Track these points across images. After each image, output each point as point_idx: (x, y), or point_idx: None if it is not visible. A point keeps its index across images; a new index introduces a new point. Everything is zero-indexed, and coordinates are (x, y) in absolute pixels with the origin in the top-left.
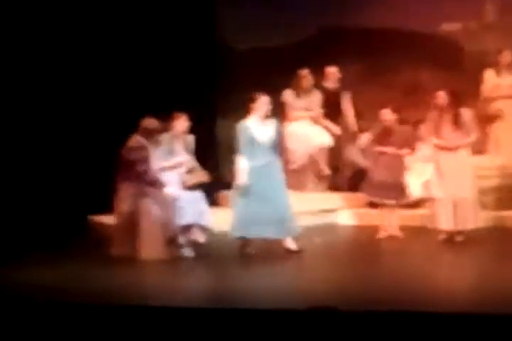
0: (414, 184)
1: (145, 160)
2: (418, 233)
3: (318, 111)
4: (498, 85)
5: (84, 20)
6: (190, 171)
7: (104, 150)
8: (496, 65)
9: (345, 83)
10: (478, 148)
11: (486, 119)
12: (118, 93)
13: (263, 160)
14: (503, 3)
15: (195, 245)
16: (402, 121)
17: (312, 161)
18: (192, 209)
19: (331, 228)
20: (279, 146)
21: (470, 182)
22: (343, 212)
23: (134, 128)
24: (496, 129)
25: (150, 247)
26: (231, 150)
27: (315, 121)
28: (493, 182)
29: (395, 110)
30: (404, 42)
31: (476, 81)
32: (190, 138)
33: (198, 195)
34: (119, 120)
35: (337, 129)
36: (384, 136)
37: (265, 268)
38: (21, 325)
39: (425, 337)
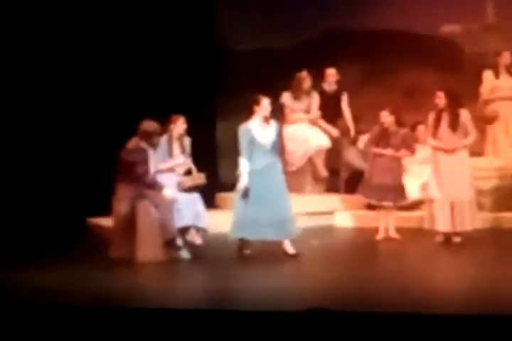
0: (412, 185)
1: (144, 162)
2: (415, 235)
3: (316, 113)
4: (496, 87)
5: (85, 22)
6: (187, 173)
7: (102, 153)
8: (495, 67)
9: (345, 85)
10: (476, 150)
11: (484, 121)
12: (117, 95)
13: (264, 162)
14: (504, 5)
15: (192, 247)
16: (400, 123)
17: (310, 163)
18: (189, 211)
19: (328, 230)
20: (280, 148)
21: (468, 183)
22: (340, 214)
23: (133, 130)
24: (494, 131)
25: (147, 249)
26: (230, 152)
27: (313, 123)
28: (491, 183)
29: (393, 112)
30: (404, 44)
31: (477, 83)
32: (187, 141)
33: (196, 197)
34: (118, 122)
35: (335, 131)
36: (382, 138)
37: (262, 270)
38: (21, 328)
39: (422, 339)
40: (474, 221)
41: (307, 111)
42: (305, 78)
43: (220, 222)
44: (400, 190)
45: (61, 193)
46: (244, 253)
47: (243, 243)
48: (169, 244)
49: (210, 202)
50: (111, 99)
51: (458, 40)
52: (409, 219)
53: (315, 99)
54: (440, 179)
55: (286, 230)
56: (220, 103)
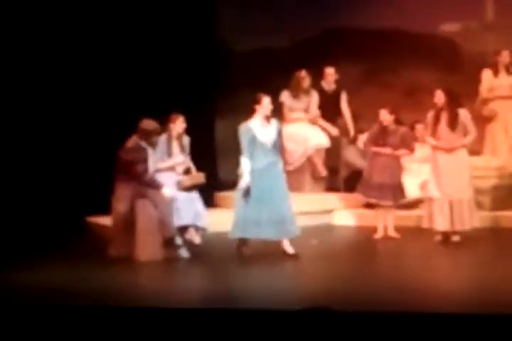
0: (411, 184)
1: (143, 161)
2: (414, 233)
3: (315, 112)
4: (495, 86)
5: (84, 21)
6: (186, 172)
7: (102, 152)
8: (494, 66)
9: (344, 84)
10: (475, 149)
11: (483, 120)
12: (117, 94)
13: (265, 161)
14: (503, 4)
15: (191, 246)
16: (399, 122)
17: (309, 162)
18: (189, 210)
19: (327, 229)
20: (280, 147)
21: (467, 182)
22: (339, 213)
23: (132, 129)
24: (493, 130)
25: (147, 248)
26: (229, 151)
27: (313, 122)
28: (490, 182)
29: (392, 111)
30: (404, 43)
31: (476, 82)
32: (187, 140)
33: (195, 196)
34: (118, 121)
35: (334, 130)
36: (381, 137)
37: (261, 269)
38: (19, 327)
39: (421, 338)
40: (473, 220)
41: (306, 110)
42: (304, 77)
43: (219, 221)
44: (399, 189)
45: (60, 192)
46: (243, 253)
47: (243, 242)
48: (168, 243)
49: (209, 201)
50: (110, 98)
51: (457, 39)
52: (408, 218)
53: (314, 98)
54: (439, 178)
55: (286, 230)
56: (220, 102)
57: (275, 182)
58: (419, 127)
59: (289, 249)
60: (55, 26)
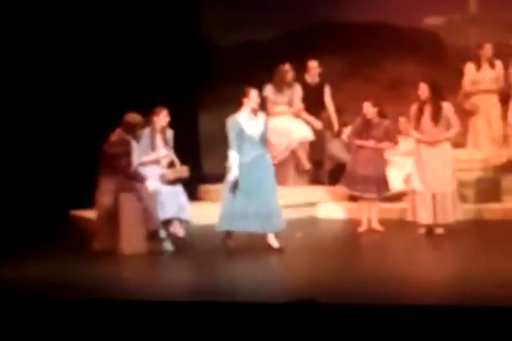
0: (395, 177)
1: (127, 154)
2: (398, 226)
3: (299, 105)
4: (478, 79)
5: (68, 16)
6: (170, 166)
7: (86, 145)
8: (477, 59)
9: (328, 77)
10: (459, 142)
11: (466, 113)
12: (101, 88)
13: (253, 154)
14: None
15: (175, 239)
16: (383, 115)
17: (293, 155)
18: (172, 203)
19: (312, 222)
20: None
21: (450, 176)
22: (324, 206)
23: (116, 122)
24: (475, 123)
25: (131, 241)
26: (213, 144)
27: (296, 115)
28: (474, 175)
29: (376, 103)
30: (387, 36)
31: (459, 75)
32: (170, 133)
33: (179, 190)
34: (102, 114)
35: (318, 123)
36: (365, 130)
37: (246, 262)
38: (4, 321)
39: (406, 330)
40: (456, 213)
41: (290, 103)
42: (288, 71)
43: (203, 215)
44: (382, 182)
45: (45, 186)
46: (228, 245)
47: (228, 235)
48: (152, 236)
49: (193, 195)
50: (94, 92)
51: (441, 32)
52: (392, 210)
53: (297, 91)
54: (422, 171)
55: (272, 223)
56: (204, 96)
57: (263, 175)
58: (401, 120)
59: (274, 242)
60: (37, 21)
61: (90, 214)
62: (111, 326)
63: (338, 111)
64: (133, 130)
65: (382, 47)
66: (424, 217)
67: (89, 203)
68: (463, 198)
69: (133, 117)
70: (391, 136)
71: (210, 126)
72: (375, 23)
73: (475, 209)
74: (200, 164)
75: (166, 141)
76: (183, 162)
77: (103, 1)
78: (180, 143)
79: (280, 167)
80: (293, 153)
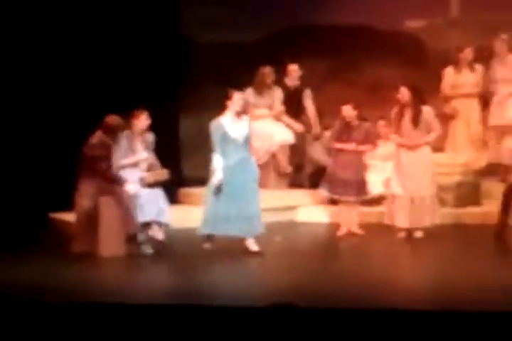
0: (375, 181)
1: (107, 157)
2: (378, 230)
3: (279, 108)
4: (458, 83)
5: (48, 16)
6: (150, 169)
7: (65, 147)
8: (456, 63)
9: (309, 80)
10: (438, 146)
11: (445, 117)
12: (81, 90)
13: (237, 157)
14: (468, 0)
15: (154, 242)
16: (362, 118)
17: (274, 159)
18: (152, 206)
19: (291, 225)
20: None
21: (429, 180)
22: (303, 209)
23: (96, 125)
24: (454, 127)
25: (110, 244)
26: (193, 147)
27: (277, 118)
28: (453, 179)
29: (356, 106)
30: (368, 39)
31: (440, 78)
32: (150, 136)
33: (158, 193)
34: (82, 117)
35: (299, 126)
36: (345, 132)
37: (225, 265)
38: None
39: (384, 334)
40: (434, 217)
41: (270, 106)
42: (268, 73)
43: (183, 218)
44: (361, 185)
45: (24, 188)
46: (205, 248)
47: (208, 238)
48: (132, 239)
49: (173, 198)
50: (74, 94)
51: (422, 35)
52: (371, 214)
53: (278, 94)
54: (402, 175)
55: (253, 226)
56: (184, 98)
57: (248, 178)
58: (381, 124)
59: (253, 246)
60: (18, 22)
61: (69, 216)
62: (90, 329)
63: (319, 114)
64: (113, 132)
65: (363, 50)
66: (401, 221)
67: (68, 206)
68: (443, 202)
69: (113, 120)
70: (371, 139)
71: (191, 129)
72: (356, 26)
73: (455, 213)
74: (180, 167)
75: (145, 144)
76: (163, 165)
77: (82, 0)
78: (160, 146)
79: (261, 170)
80: (273, 156)
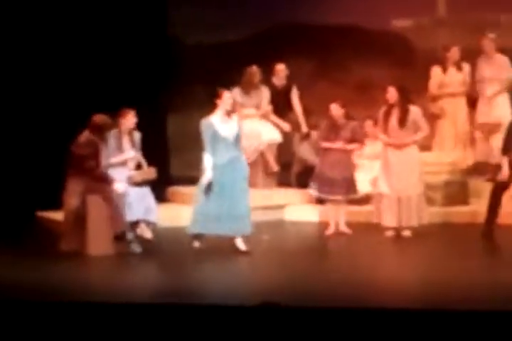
0: (363, 180)
1: (95, 156)
2: (366, 229)
3: (266, 107)
4: (444, 82)
5: (35, 14)
6: (138, 167)
7: (53, 146)
8: (443, 62)
9: (297, 79)
10: (425, 145)
11: (432, 116)
12: (69, 89)
13: (227, 155)
14: (455, 0)
15: (142, 241)
16: (349, 117)
17: (262, 158)
18: (140, 205)
19: (279, 224)
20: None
21: (416, 179)
22: (291, 208)
23: (83, 124)
24: (441, 126)
25: (98, 243)
26: (181, 146)
27: (264, 117)
28: (441, 178)
29: (343, 105)
30: (356, 38)
31: (428, 78)
32: (137, 135)
33: (146, 191)
34: (70, 116)
35: (286, 126)
36: (332, 131)
37: (213, 264)
38: None
39: (373, 334)
40: (421, 216)
41: (257, 106)
42: (255, 73)
43: (171, 216)
44: (350, 184)
45: (12, 187)
46: (194, 247)
47: (198, 237)
48: (120, 238)
49: (161, 196)
50: (61, 93)
51: (409, 34)
52: (359, 213)
53: (265, 93)
54: (389, 174)
55: (243, 225)
56: (172, 97)
57: (238, 177)
58: (368, 123)
59: (242, 245)
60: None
61: (57, 215)
62: (77, 328)
63: (307, 113)
64: (101, 131)
65: (350, 50)
66: (388, 220)
67: (56, 204)
68: (431, 201)
69: (101, 119)
70: (358, 137)
71: (179, 128)
72: (343, 25)
73: (443, 212)
74: (167, 166)
75: (133, 143)
76: (150, 163)
77: (70, 1)
78: (148, 144)
79: (250, 169)
80: (261, 155)
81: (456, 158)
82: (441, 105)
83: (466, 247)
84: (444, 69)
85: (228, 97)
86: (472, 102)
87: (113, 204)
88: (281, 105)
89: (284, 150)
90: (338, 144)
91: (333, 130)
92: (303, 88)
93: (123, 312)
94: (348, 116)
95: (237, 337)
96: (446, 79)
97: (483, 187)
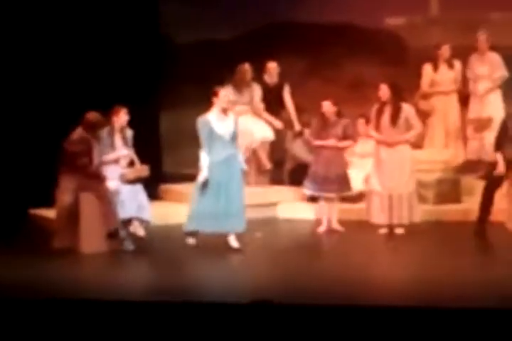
0: (355, 178)
1: (88, 153)
2: (359, 227)
3: (259, 104)
4: (436, 81)
5: (27, 13)
6: (130, 165)
7: (45, 143)
8: (435, 60)
9: (289, 77)
10: (417, 143)
11: (422, 114)
12: (61, 86)
13: (224, 153)
14: None
15: (135, 238)
16: (341, 115)
17: (254, 155)
18: (132, 202)
19: (272, 221)
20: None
21: (407, 177)
22: (284, 206)
23: (76, 121)
24: (432, 124)
25: (91, 240)
26: (173, 143)
27: (257, 115)
28: (434, 176)
29: (336, 102)
30: (348, 36)
31: (420, 76)
32: (129, 132)
33: (139, 189)
34: (62, 113)
35: (278, 123)
36: (322, 130)
37: (206, 262)
38: None
39: (365, 331)
40: (413, 214)
41: (250, 103)
42: (247, 70)
43: (163, 214)
44: (343, 181)
45: (4, 184)
46: (189, 244)
47: (192, 233)
48: (113, 236)
49: (153, 194)
50: (54, 91)
51: (402, 33)
52: (352, 211)
53: (256, 90)
54: (381, 172)
55: (236, 223)
56: (164, 94)
57: (234, 175)
58: (360, 122)
59: (234, 243)
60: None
61: (50, 213)
62: (71, 326)
63: (299, 111)
64: (93, 129)
65: (343, 48)
66: (377, 218)
67: (49, 202)
68: (423, 199)
69: (94, 116)
70: (350, 134)
71: (171, 125)
72: (335, 23)
73: (435, 210)
74: (160, 163)
75: (125, 140)
76: (143, 161)
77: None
78: (140, 142)
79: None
80: (254, 153)
81: (448, 156)
82: (432, 103)
83: (458, 245)
84: (436, 67)
85: (224, 95)
86: (464, 100)
87: (106, 202)
88: (273, 103)
89: (277, 148)
90: (330, 141)
91: (324, 128)
92: (295, 86)
93: (116, 309)
94: (340, 114)
95: (229, 335)
96: (438, 77)
97: (475, 185)
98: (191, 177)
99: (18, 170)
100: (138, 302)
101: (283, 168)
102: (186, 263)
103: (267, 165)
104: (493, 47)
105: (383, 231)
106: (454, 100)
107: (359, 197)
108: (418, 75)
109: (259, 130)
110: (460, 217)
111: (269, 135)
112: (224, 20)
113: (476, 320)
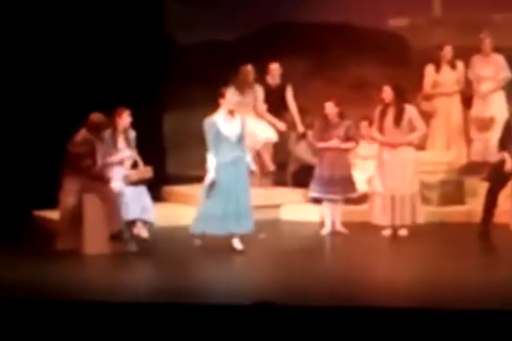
0: (359, 180)
1: (91, 154)
2: (362, 228)
3: (261, 106)
4: (438, 81)
5: (30, 14)
6: (134, 166)
7: (49, 145)
8: (437, 61)
9: (291, 78)
10: (420, 144)
11: (426, 115)
12: (65, 88)
13: (231, 155)
14: None
15: (138, 240)
16: (343, 116)
17: (258, 157)
18: (136, 204)
19: (275, 223)
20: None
21: (410, 179)
22: (287, 208)
23: (80, 123)
24: (434, 125)
25: (94, 242)
26: (176, 145)
27: (260, 116)
28: (438, 177)
29: (338, 104)
30: (351, 37)
31: (422, 77)
32: (132, 134)
33: (142, 191)
34: (66, 114)
35: (281, 125)
36: (325, 132)
37: (210, 264)
38: None
39: (369, 333)
40: (416, 215)
41: (252, 105)
42: (250, 72)
43: (167, 216)
44: (348, 182)
45: (8, 186)
46: (195, 245)
47: (201, 235)
48: (116, 237)
49: (157, 196)
50: (58, 92)
51: (405, 34)
52: (355, 213)
53: (259, 92)
54: (383, 173)
55: (243, 225)
56: (167, 96)
57: (239, 178)
58: (363, 124)
59: (238, 245)
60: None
61: (54, 214)
62: (74, 327)
63: (302, 112)
64: (97, 130)
65: (346, 49)
66: (382, 219)
67: (52, 203)
68: (427, 201)
69: (97, 117)
70: (352, 136)
71: (174, 127)
72: (338, 24)
73: (439, 211)
74: (163, 165)
75: (128, 142)
76: (146, 163)
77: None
78: (144, 143)
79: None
80: (257, 155)
81: (451, 157)
82: (435, 104)
83: (462, 247)
84: (438, 68)
85: (231, 97)
86: (466, 101)
87: (109, 204)
88: (275, 104)
89: (280, 150)
90: (333, 143)
91: (326, 130)
92: (298, 87)
93: (119, 311)
94: (342, 116)
95: (233, 336)
96: (440, 78)
97: (479, 187)
98: (195, 179)
99: (22, 172)
100: (141, 303)
101: (286, 170)
102: (189, 265)
103: (271, 166)
104: (496, 49)
105: (387, 232)
106: (456, 101)
107: (362, 198)
108: (420, 76)
109: (263, 131)
110: (464, 218)
111: (272, 136)
112: (225, 21)
113: (480, 322)
